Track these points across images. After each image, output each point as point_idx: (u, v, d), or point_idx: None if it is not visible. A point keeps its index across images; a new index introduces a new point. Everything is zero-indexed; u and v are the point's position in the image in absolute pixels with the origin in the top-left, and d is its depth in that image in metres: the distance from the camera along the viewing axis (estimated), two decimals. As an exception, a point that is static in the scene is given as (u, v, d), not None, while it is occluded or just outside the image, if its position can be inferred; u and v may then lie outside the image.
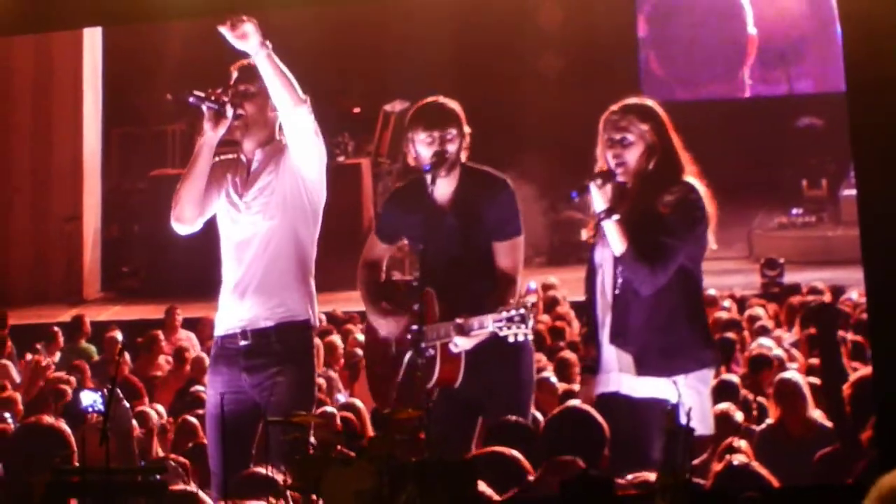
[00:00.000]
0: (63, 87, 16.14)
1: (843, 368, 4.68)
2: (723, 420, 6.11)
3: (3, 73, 16.05)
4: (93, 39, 15.93)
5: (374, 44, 16.65)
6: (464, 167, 5.79)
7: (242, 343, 5.76)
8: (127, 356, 10.56)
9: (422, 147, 5.72)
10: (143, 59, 15.59)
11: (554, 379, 7.85)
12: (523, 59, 16.53)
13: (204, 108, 5.79)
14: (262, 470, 4.94)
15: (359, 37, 16.23)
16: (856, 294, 10.15)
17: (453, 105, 5.81)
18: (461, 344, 5.42)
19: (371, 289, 5.95)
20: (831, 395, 4.98)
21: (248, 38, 5.59)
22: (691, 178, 5.43)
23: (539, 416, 6.15)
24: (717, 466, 5.24)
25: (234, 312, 5.81)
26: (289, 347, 5.74)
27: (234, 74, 5.90)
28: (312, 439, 4.77)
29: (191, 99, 5.81)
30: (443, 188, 5.73)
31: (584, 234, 5.82)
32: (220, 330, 5.90)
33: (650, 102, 5.54)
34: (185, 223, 5.89)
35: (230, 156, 5.99)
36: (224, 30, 5.62)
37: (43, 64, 16.04)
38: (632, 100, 5.51)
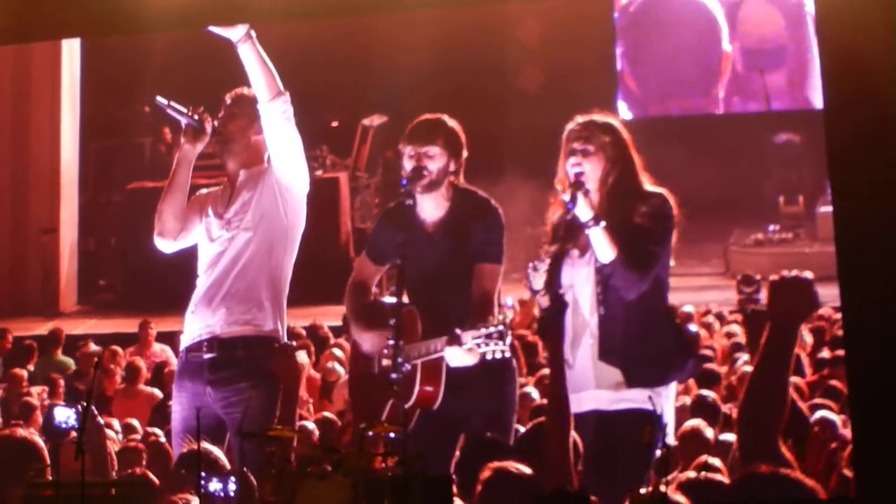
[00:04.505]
0: (41, 99, 16.09)
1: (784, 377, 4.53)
2: (693, 436, 6.07)
3: (-20, 84, 16.00)
4: (71, 51, 15.89)
5: (354, 58, 16.66)
6: (457, 189, 5.72)
7: (207, 355, 5.73)
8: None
9: (406, 161, 5.68)
10: (122, 72, 15.56)
11: (536, 395, 7.80)
12: (503, 74, 16.57)
13: (182, 122, 5.84)
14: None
15: (338, 51, 16.24)
16: (831, 310, 10.17)
17: (450, 124, 5.71)
18: (449, 357, 5.29)
19: (358, 309, 5.86)
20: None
21: (235, 25, 5.63)
22: (658, 188, 5.47)
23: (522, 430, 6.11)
24: (683, 478, 5.21)
25: (201, 320, 5.78)
26: (254, 361, 5.69)
27: (227, 101, 5.93)
28: (287, 454, 4.75)
29: (169, 111, 5.85)
30: (434, 208, 5.69)
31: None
32: (185, 341, 5.86)
33: (613, 119, 5.58)
34: (166, 237, 5.90)
35: (217, 187, 6.00)
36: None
37: (21, 75, 15.99)
38: (596, 115, 5.53)
